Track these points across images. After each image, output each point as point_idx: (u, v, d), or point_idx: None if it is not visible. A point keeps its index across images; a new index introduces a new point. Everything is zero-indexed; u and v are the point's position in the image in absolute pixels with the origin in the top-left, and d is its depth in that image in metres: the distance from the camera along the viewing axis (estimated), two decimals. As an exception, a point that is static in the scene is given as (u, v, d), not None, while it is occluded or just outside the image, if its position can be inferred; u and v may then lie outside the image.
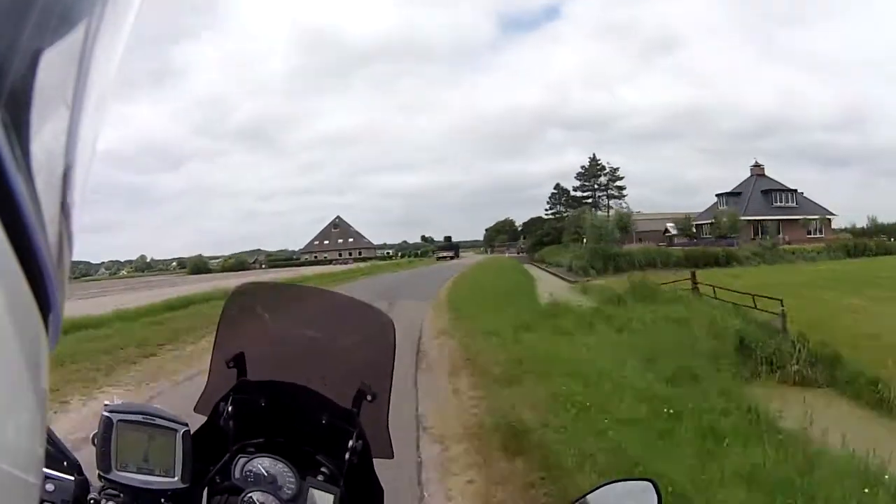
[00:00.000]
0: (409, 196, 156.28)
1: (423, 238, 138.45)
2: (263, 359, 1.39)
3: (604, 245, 45.60)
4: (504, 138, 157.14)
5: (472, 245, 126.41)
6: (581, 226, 60.01)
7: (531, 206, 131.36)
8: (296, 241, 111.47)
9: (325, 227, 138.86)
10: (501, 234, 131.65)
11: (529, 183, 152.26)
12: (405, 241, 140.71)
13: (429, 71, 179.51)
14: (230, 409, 1.30)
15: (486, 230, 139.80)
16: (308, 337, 1.48)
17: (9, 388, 0.37)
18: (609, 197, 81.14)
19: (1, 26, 0.34)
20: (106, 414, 1.16)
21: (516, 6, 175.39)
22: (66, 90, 0.40)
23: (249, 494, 1.21)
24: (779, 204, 60.55)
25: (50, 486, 1.12)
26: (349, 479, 1.28)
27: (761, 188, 61.53)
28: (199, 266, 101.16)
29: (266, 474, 1.24)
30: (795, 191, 62.09)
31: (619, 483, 1.20)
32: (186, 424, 1.20)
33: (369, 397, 1.32)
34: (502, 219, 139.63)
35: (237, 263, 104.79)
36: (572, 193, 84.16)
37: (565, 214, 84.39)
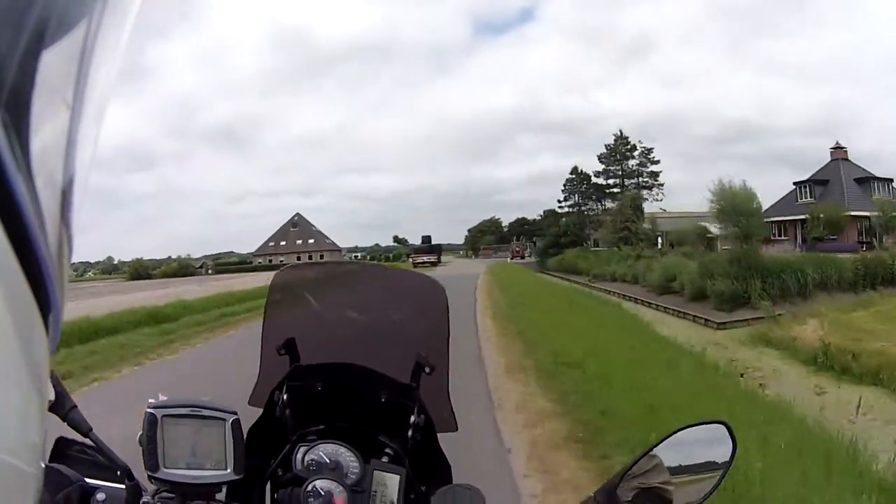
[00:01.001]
0: (380, 199, 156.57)
1: (396, 239, 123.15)
2: (315, 342, 1.34)
3: (749, 250, 26.22)
4: (475, 142, 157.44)
5: (448, 249, 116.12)
6: (628, 223, 42.54)
7: (503, 211, 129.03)
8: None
9: (283, 227, 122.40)
10: (487, 236, 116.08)
11: (499, 188, 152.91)
12: (377, 244, 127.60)
13: (400, 72, 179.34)
14: (285, 397, 1.27)
15: (469, 231, 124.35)
16: (358, 314, 1.44)
17: (9, 387, 0.37)
18: (640, 186, 62.20)
19: (1, 26, 0.33)
20: (150, 411, 1.11)
21: (490, 8, 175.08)
22: (66, 90, 0.40)
23: (313, 483, 1.16)
24: (877, 196, 45.01)
25: (101, 496, 1.10)
26: (414, 457, 1.25)
27: (853, 176, 46.60)
28: (139, 271, 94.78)
29: (328, 461, 1.20)
30: (892, 180, 47.84)
31: (691, 428, 1.13)
32: (235, 413, 1.13)
33: (427, 370, 1.27)
34: (487, 218, 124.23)
35: (180, 268, 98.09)
36: (594, 180, 65.21)
37: (585, 208, 65.90)
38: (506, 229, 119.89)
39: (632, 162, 62.80)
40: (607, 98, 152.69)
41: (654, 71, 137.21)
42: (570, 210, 67.72)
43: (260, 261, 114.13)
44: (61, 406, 1.13)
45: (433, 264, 72.29)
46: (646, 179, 62.43)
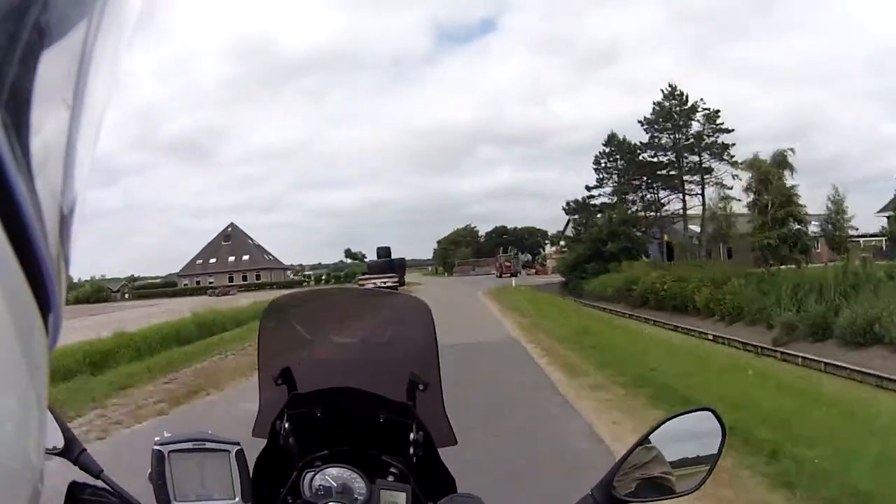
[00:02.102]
0: (343, 214, 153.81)
1: (349, 254, 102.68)
2: (310, 369, 1.37)
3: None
4: (437, 154, 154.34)
5: (414, 265, 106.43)
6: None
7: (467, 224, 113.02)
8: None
9: (214, 240, 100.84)
10: (461, 248, 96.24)
11: (463, 201, 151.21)
12: (341, 261, 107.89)
13: (361, 83, 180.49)
14: (287, 425, 1.30)
15: (439, 243, 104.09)
16: (349, 338, 1.46)
17: (9, 388, 0.37)
18: (700, 171, 42.23)
19: (1, 26, 0.33)
20: (156, 448, 1.16)
21: (452, 19, 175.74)
22: (66, 90, 0.40)
23: None
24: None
25: None
26: (418, 473, 1.29)
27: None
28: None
29: (336, 485, 1.24)
30: None
31: (679, 417, 1.17)
32: (238, 444, 1.19)
33: (421, 387, 1.29)
34: (461, 227, 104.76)
35: (93, 292, 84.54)
36: (641, 156, 43.93)
37: (631, 198, 45.14)
38: (482, 239, 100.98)
39: (693, 128, 42.27)
40: (568, 108, 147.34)
41: (617, 79, 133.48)
42: (610, 201, 46.29)
43: (186, 282, 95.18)
44: (71, 450, 1.20)
45: (393, 287, 51.57)
46: (715, 150, 41.13)
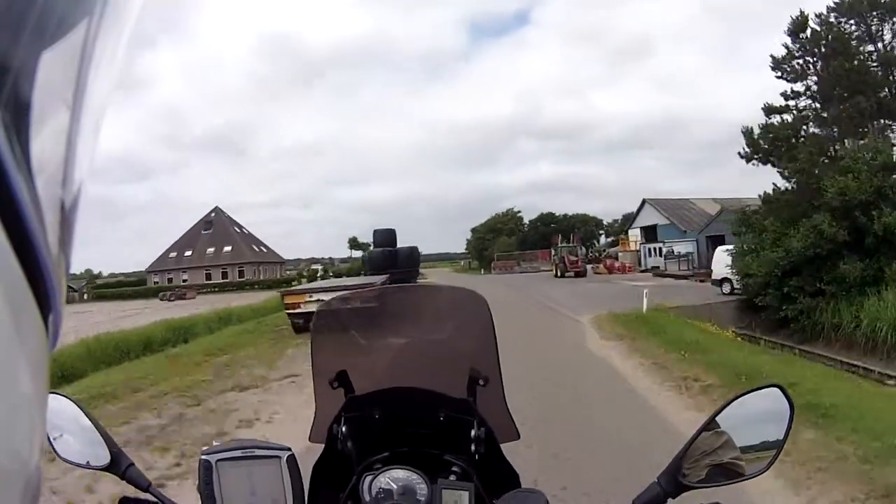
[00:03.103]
0: (378, 209, 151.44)
1: (355, 245, 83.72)
2: (366, 371, 1.36)
3: None
4: (474, 149, 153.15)
5: (445, 258, 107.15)
6: None
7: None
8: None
9: (192, 228, 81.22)
10: (501, 236, 75.16)
11: (501, 195, 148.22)
12: (350, 257, 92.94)
13: (395, 80, 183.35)
14: (344, 429, 1.29)
15: (474, 231, 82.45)
16: (404, 336, 1.45)
17: (9, 388, 0.37)
18: None
19: (1, 26, 0.33)
20: (204, 458, 1.14)
21: (486, 13, 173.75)
22: (66, 90, 0.40)
23: None
24: None
25: None
26: (481, 471, 1.27)
27: None
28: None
29: (396, 487, 1.21)
30: None
31: (747, 395, 1.12)
32: (289, 449, 1.17)
33: (481, 382, 1.28)
34: (501, 212, 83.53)
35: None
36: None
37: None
38: (526, 228, 79.58)
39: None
40: (605, 103, 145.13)
41: (653, 73, 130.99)
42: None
43: (157, 279, 78.86)
44: (118, 465, 1.20)
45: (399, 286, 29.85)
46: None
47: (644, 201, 57.61)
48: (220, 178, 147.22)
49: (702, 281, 31.37)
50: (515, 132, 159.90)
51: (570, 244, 49.95)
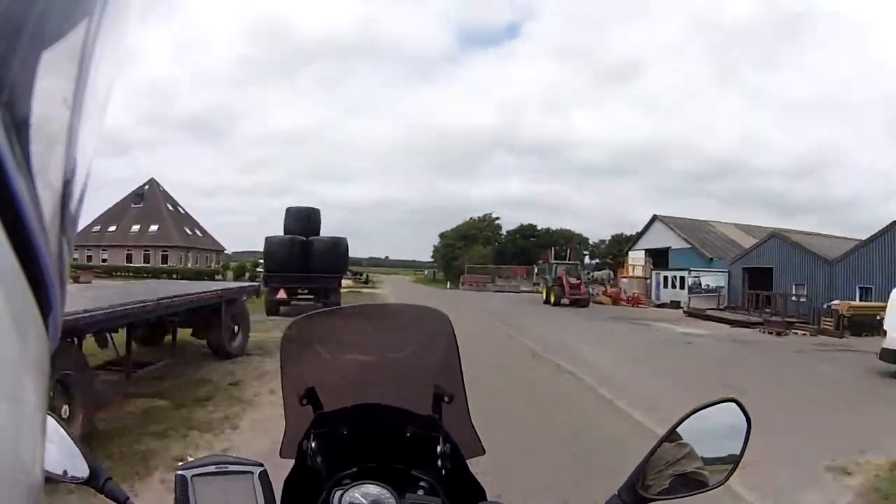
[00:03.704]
0: (352, 208, 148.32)
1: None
2: (334, 388, 1.38)
3: None
4: (451, 156, 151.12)
5: (411, 265, 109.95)
6: None
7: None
8: (234, 242, 68.65)
9: (123, 201, 69.45)
10: (476, 246, 64.18)
11: (472, 207, 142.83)
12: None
13: (379, 75, 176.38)
14: (314, 445, 1.31)
15: (442, 237, 70.87)
16: (371, 355, 1.46)
17: (9, 388, 0.37)
18: None
19: (1, 26, 0.33)
20: (180, 473, 1.16)
21: (477, 19, 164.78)
22: (66, 90, 0.40)
23: None
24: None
25: None
26: (447, 485, 1.29)
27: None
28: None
29: (365, 502, 1.22)
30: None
31: (704, 410, 1.14)
32: (262, 465, 1.19)
33: (446, 398, 1.32)
34: (478, 217, 72.41)
35: None
36: None
37: None
38: (503, 237, 69.61)
39: None
40: (586, 123, 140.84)
41: (637, 98, 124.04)
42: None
43: (76, 256, 64.03)
44: (96, 478, 1.20)
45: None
46: None
47: (655, 218, 47.95)
48: (198, 158, 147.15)
49: (780, 334, 21.31)
50: (493, 144, 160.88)
51: (569, 261, 39.68)
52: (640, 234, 50.05)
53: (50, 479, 1.12)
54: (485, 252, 60.85)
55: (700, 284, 38.21)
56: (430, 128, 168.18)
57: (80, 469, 1.22)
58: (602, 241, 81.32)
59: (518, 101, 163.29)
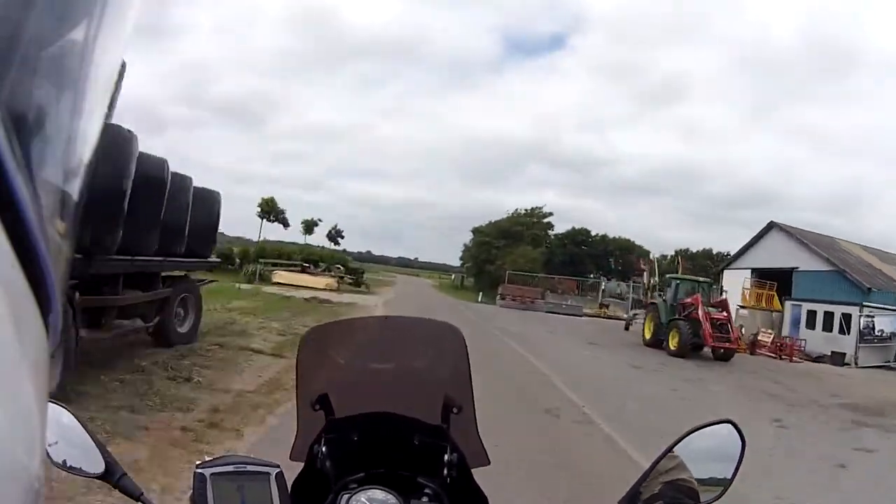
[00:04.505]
0: (383, 208, 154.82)
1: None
2: (347, 395, 1.41)
3: None
4: (485, 164, 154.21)
5: (440, 268, 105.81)
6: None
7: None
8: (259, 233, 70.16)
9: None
10: (521, 246, 49.45)
11: (502, 215, 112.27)
12: (369, 251, 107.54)
13: (421, 78, 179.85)
14: (324, 450, 1.36)
15: (477, 233, 56.67)
16: (384, 364, 1.51)
17: (9, 388, 0.37)
18: None
19: (1, 26, 0.34)
20: (198, 471, 1.17)
21: (523, 29, 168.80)
22: (67, 90, 0.40)
23: None
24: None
25: None
26: (452, 494, 1.33)
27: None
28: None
29: None
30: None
31: (699, 431, 1.19)
32: (278, 466, 1.20)
33: (455, 409, 1.34)
34: (522, 211, 58.18)
35: None
36: None
37: None
38: (549, 242, 54.70)
39: None
40: (623, 141, 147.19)
41: (676, 120, 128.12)
42: None
43: None
44: (111, 474, 1.21)
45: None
46: None
47: (771, 226, 33.77)
48: (233, 144, 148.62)
49: None
50: (528, 155, 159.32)
51: (698, 279, 24.01)
52: (744, 249, 35.25)
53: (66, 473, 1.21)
54: (534, 255, 46.47)
55: (873, 328, 24.64)
56: (466, 134, 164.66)
57: (96, 464, 1.22)
58: (664, 257, 67.00)
59: (556, 113, 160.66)
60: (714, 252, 56.64)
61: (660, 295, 24.69)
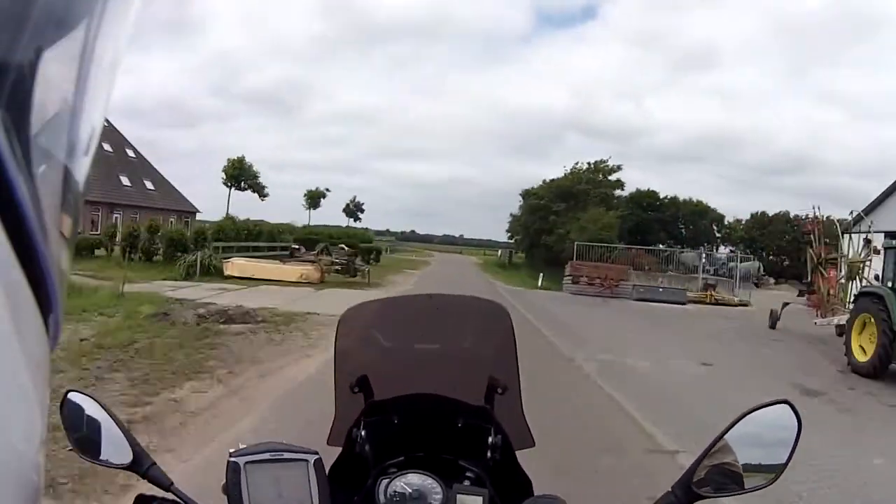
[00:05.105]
0: (423, 186, 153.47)
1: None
2: (387, 376, 1.38)
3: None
4: (522, 137, 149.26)
5: (486, 245, 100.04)
6: None
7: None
8: (301, 217, 68.01)
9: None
10: (591, 208, 36.75)
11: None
12: (413, 231, 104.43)
13: (452, 55, 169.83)
14: (363, 433, 1.30)
15: (526, 196, 44.09)
16: (426, 344, 1.47)
17: (9, 388, 0.37)
18: None
19: (1, 26, 0.34)
20: (232, 460, 1.13)
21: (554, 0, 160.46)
22: (66, 90, 0.40)
23: None
24: None
25: None
26: (495, 477, 1.29)
27: None
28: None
29: (411, 491, 1.23)
30: None
31: (756, 412, 1.14)
32: (317, 452, 1.15)
33: (500, 390, 1.32)
34: (590, 162, 45.27)
35: None
36: None
37: None
38: (621, 213, 42.14)
39: None
40: (660, 108, 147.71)
41: (712, 86, 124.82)
42: None
43: None
44: (139, 464, 1.17)
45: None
46: None
47: None
48: (267, 132, 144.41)
49: None
50: (565, 126, 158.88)
51: None
52: (867, 210, 22.91)
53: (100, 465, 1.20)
54: (609, 219, 34.28)
55: None
56: (502, 108, 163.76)
57: (124, 455, 1.19)
58: (738, 221, 54.88)
59: (590, 83, 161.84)
60: (792, 215, 44.71)
61: (878, 279, 13.42)
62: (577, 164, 40.44)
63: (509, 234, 50.23)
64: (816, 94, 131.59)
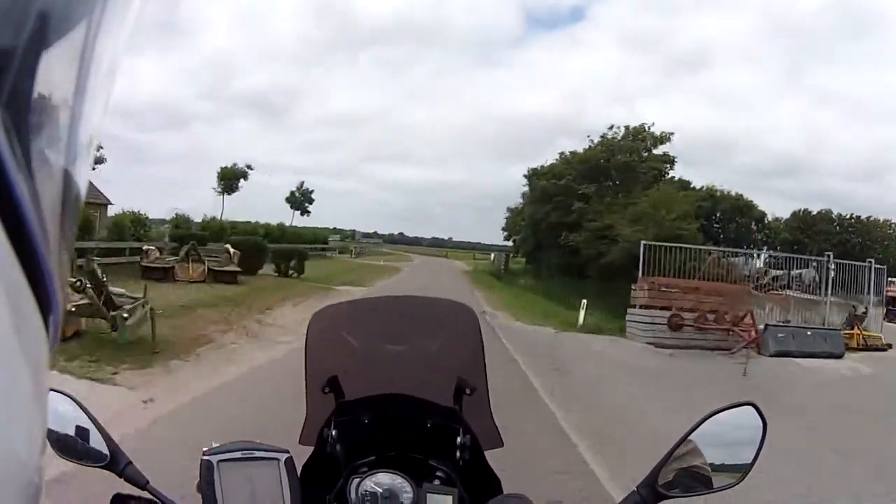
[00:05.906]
0: (413, 191, 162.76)
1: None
2: (357, 377, 1.40)
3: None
4: (514, 141, 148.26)
5: (477, 248, 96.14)
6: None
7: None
8: (292, 219, 63.78)
9: None
10: (641, 188, 19.64)
11: None
12: (401, 233, 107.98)
13: (443, 58, 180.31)
14: (334, 433, 1.33)
15: (532, 178, 29.48)
16: (395, 345, 1.48)
17: (9, 388, 0.37)
18: None
19: (1, 26, 0.34)
20: (206, 458, 1.15)
21: (542, 2, 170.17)
22: (66, 90, 0.40)
23: None
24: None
25: None
26: (465, 476, 1.32)
27: None
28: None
29: (382, 491, 1.25)
30: None
31: (721, 413, 1.17)
32: (287, 451, 1.19)
33: (468, 391, 1.33)
34: (620, 129, 32.42)
35: None
36: None
37: None
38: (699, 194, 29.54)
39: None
40: (652, 112, 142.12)
41: (704, 89, 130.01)
42: None
43: None
44: (116, 463, 1.20)
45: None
46: None
47: None
48: (257, 135, 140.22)
49: None
50: (556, 131, 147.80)
51: None
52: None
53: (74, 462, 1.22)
54: (686, 206, 21.48)
55: None
56: (493, 114, 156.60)
57: (101, 454, 1.21)
58: (777, 220, 43.52)
59: (582, 86, 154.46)
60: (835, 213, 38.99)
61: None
62: (611, 127, 27.89)
63: (506, 233, 38.72)
64: (810, 93, 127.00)
